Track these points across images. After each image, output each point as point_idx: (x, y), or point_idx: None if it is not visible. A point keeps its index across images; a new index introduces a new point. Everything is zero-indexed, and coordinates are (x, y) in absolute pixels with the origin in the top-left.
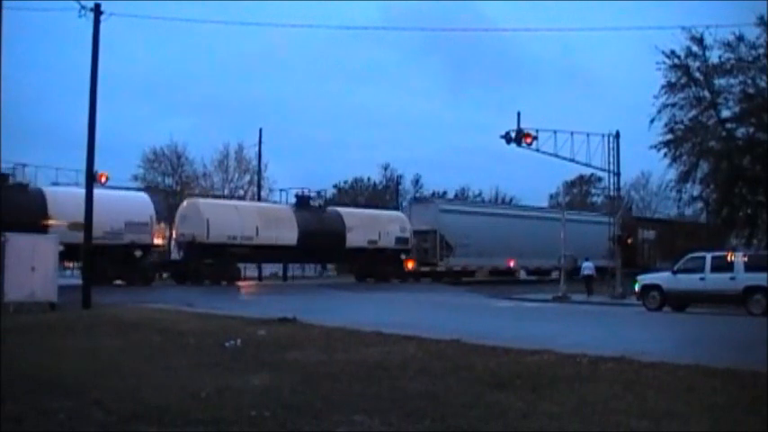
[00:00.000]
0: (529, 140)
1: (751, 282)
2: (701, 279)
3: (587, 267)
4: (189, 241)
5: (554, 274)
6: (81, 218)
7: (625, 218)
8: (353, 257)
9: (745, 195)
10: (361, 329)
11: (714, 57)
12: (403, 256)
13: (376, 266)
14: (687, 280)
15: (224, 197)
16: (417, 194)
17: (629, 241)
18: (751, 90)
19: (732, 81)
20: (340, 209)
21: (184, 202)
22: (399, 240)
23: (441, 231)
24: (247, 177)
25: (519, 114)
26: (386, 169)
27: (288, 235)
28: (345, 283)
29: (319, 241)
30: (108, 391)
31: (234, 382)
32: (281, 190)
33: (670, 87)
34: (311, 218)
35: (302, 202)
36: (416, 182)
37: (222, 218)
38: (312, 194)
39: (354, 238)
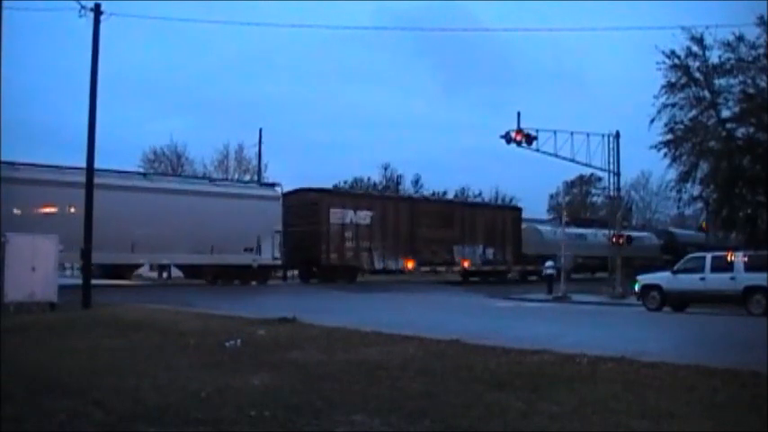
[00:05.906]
0: (528, 140)
1: (751, 282)
2: (702, 279)
3: (549, 267)
4: None
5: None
6: None
7: (297, 197)
8: None
9: (745, 195)
10: (361, 329)
11: (714, 57)
12: None
13: None
14: (687, 280)
15: None
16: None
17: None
18: (751, 90)
19: (732, 81)
20: None
21: None
22: None
23: None
24: (247, 177)
25: (519, 114)
26: (386, 169)
27: None
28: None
29: None
30: (108, 391)
31: (234, 382)
32: None
33: (670, 87)
34: None
35: None
36: (416, 182)
37: None
38: None
39: None
